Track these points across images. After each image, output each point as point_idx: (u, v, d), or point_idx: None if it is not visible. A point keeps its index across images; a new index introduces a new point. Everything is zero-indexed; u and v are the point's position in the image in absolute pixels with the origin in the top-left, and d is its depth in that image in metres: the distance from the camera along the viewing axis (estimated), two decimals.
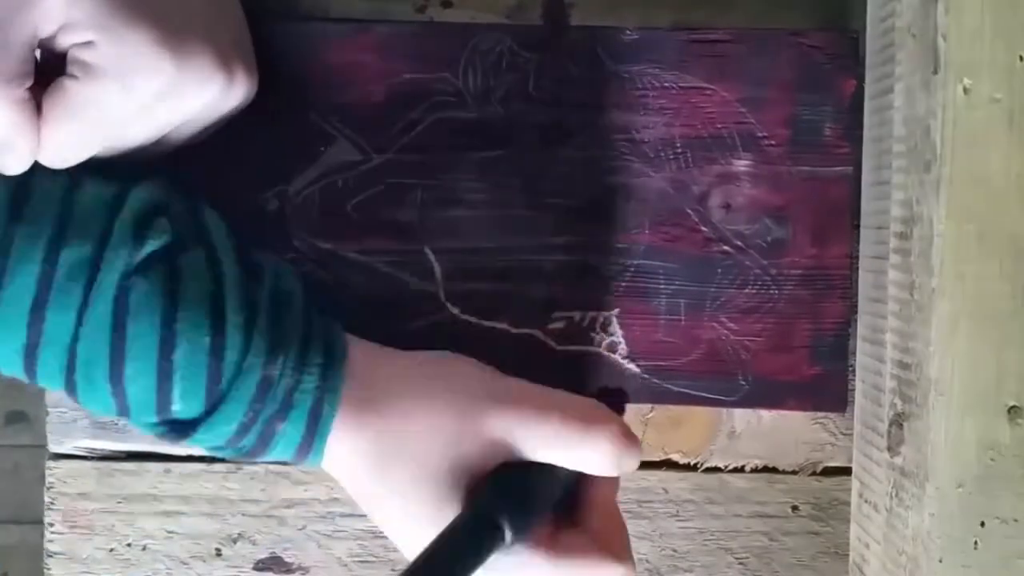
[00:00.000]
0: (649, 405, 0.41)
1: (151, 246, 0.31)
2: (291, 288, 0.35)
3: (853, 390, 0.41)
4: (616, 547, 0.33)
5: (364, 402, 0.33)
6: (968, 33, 0.33)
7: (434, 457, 0.32)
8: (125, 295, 0.31)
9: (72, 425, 0.42)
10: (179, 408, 0.32)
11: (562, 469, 0.33)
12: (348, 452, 0.33)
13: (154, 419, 0.33)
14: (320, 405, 0.33)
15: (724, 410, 0.41)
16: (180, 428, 0.33)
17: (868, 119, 0.40)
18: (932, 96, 0.33)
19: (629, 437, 0.33)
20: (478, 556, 0.29)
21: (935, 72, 0.33)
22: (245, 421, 0.32)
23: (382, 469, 0.33)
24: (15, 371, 0.32)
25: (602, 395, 0.36)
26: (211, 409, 0.32)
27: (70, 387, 0.32)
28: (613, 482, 0.35)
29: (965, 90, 0.33)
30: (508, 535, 0.30)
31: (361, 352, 0.35)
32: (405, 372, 0.35)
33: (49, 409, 0.43)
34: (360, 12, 0.41)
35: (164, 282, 0.31)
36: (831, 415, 0.41)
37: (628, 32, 0.39)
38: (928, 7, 0.33)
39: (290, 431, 0.33)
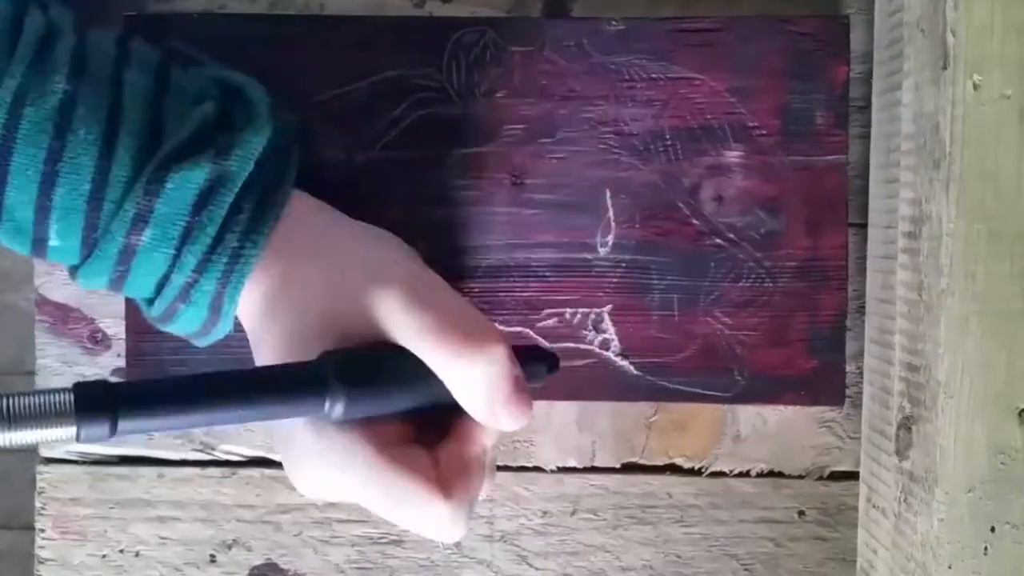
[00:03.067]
0: (652, 408, 0.41)
1: (55, 78, 0.29)
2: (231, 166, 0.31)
3: (860, 393, 0.40)
4: (454, 484, 0.29)
5: (277, 254, 0.31)
6: (978, 28, 0.32)
7: (313, 310, 0.30)
8: (16, 122, 0.29)
9: None
10: (56, 245, 0.31)
11: (435, 382, 0.30)
12: (247, 293, 0.32)
13: (27, 250, 0.32)
14: (223, 292, 0.31)
15: (729, 413, 0.41)
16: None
17: (876, 115, 0.39)
18: (941, 92, 0.33)
19: (514, 385, 0.29)
20: (285, 402, 0.27)
21: (944, 68, 0.33)
22: (114, 278, 0.31)
23: (270, 311, 0.31)
24: None
25: (529, 351, 0.32)
26: (85, 258, 0.31)
27: None
28: (483, 429, 0.31)
29: (975, 86, 0.32)
30: (329, 403, 0.28)
31: (294, 215, 0.32)
32: (330, 228, 0.33)
33: None
34: (359, 8, 0.41)
35: (56, 117, 0.29)
36: (838, 419, 0.41)
37: (614, 22, 0.39)
38: (937, 2, 0.33)
39: (191, 311, 0.32)
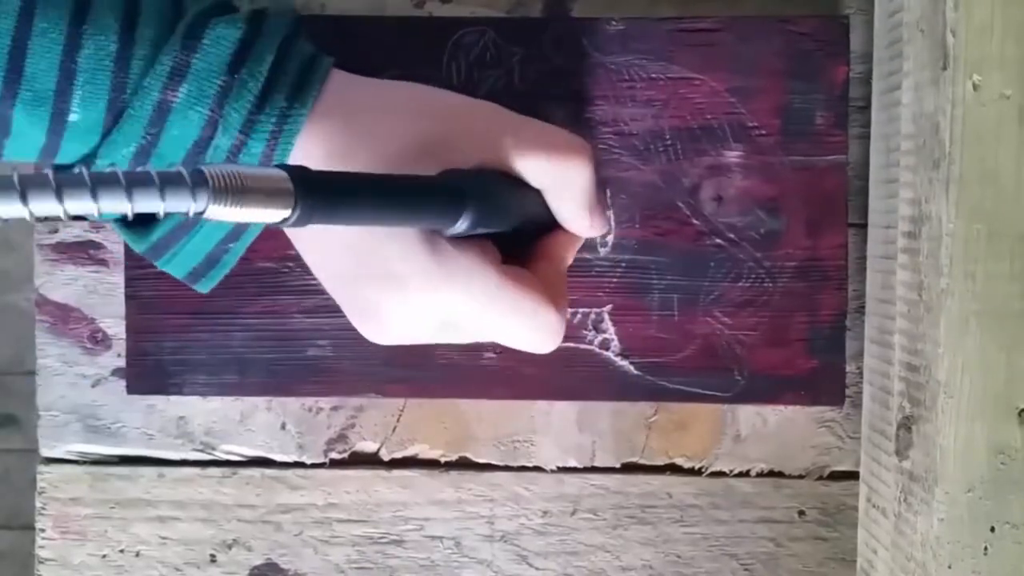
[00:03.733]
0: (652, 408, 0.41)
1: None
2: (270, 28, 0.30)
3: (860, 393, 0.40)
4: (555, 295, 0.32)
5: (329, 113, 0.30)
6: (978, 28, 0.32)
7: (402, 136, 0.29)
8: None
9: (64, 429, 0.42)
10: (77, 119, 0.29)
11: (531, 201, 0.32)
12: (300, 159, 0.30)
13: (45, 129, 0.29)
14: (271, 157, 0.30)
15: (729, 413, 0.41)
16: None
17: (875, 116, 0.39)
18: (941, 92, 0.33)
19: (600, 189, 0.33)
20: (431, 209, 0.28)
21: (944, 68, 0.33)
22: (143, 144, 0.30)
23: (343, 159, 0.30)
24: None
25: None
26: (110, 127, 0.29)
27: None
28: (570, 241, 0.34)
29: (975, 86, 0.32)
30: (465, 217, 0.28)
31: (339, 80, 0.31)
32: (384, 86, 0.32)
33: (40, 413, 0.42)
34: (359, 8, 0.41)
35: None
36: (838, 419, 0.41)
37: (613, 22, 0.39)
38: (937, 2, 0.33)
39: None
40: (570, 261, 0.35)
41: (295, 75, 0.30)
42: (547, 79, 0.39)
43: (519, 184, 0.32)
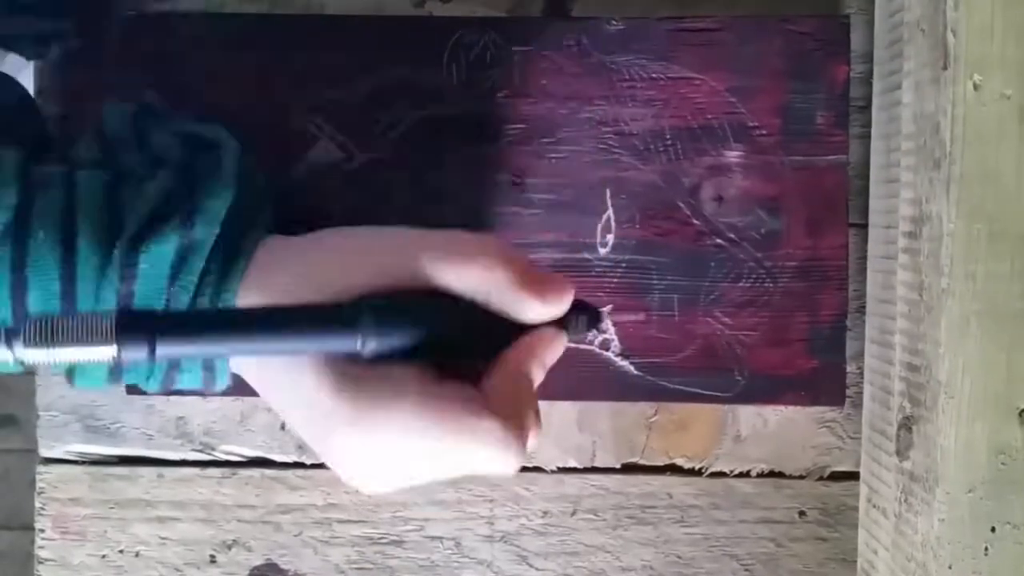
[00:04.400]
0: (652, 408, 0.41)
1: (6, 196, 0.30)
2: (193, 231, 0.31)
3: (861, 393, 0.40)
4: (505, 407, 0.29)
5: (257, 293, 0.30)
6: (978, 28, 0.32)
7: (320, 288, 0.29)
8: None
9: (63, 429, 0.42)
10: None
11: (460, 309, 0.30)
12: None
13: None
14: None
15: (729, 413, 0.41)
16: None
17: (876, 115, 0.39)
18: (941, 92, 0.33)
19: (529, 264, 0.30)
20: (319, 334, 0.27)
21: (945, 68, 0.33)
22: (110, 367, 0.31)
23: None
24: None
25: (574, 308, 0.32)
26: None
27: None
28: (533, 346, 0.31)
29: (975, 86, 0.32)
30: (362, 339, 0.27)
31: (268, 254, 0.31)
32: (307, 245, 0.32)
33: (40, 413, 0.42)
34: (359, 8, 0.41)
35: (14, 227, 0.30)
36: (838, 419, 0.41)
37: (614, 22, 0.39)
38: (938, 2, 0.33)
39: (186, 377, 0.32)
40: (541, 364, 0.31)
41: (218, 270, 0.31)
42: (547, 79, 0.39)
43: (447, 299, 0.30)
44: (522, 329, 0.30)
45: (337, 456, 0.29)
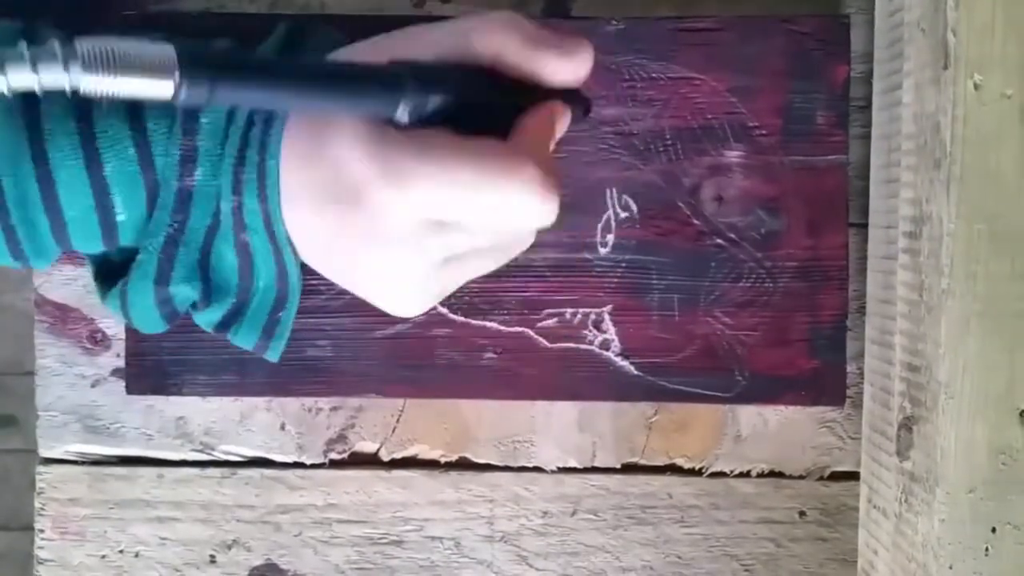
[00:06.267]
0: (653, 408, 0.41)
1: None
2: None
3: (861, 393, 0.40)
4: (534, 153, 0.29)
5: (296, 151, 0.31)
6: (979, 28, 0.32)
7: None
8: (37, 120, 0.30)
9: (63, 429, 0.42)
10: (124, 219, 0.32)
11: (495, 79, 0.30)
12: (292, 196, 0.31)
13: (99, 243, 0.32)
14: (267, 209, 0.32)
15: (729, 413, 0.41)
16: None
17: (876, 115, 0.39)
18: (942, 92, 0.33)
19: (540, 29, 0.30)
20: (367, 93, 0.27)
21: (945, 68, 0.33)
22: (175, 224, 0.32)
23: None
24: None
25: (565, 98, 0.32)
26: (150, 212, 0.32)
27: (11, 243, 0.31)
28: (546, 115, 0.31)
29: (976, 86, 0.32)
30: (403, 98, 0.27)
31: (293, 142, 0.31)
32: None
33: (39, 413, 0.42)
34: (359, 8, 0.41)
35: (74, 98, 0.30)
36: (839, 419, 0.41)
37: (614, 22, 0.39)
38: (938, 1, 0.33)
39: (256, 241, 0.32)
40: (554, 135, 0.32)
41: (261, 126, 0.31)
42: None
43: (473, 69, 0.30)
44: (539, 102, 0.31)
45: (367, 248, 0.30)
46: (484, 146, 0.29)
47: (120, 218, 0.32)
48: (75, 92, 0.22)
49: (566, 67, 0.30)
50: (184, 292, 0.34)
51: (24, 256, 0.32)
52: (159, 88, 0.23)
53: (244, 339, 0.36)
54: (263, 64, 0.26)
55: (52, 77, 0.22)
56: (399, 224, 0.29)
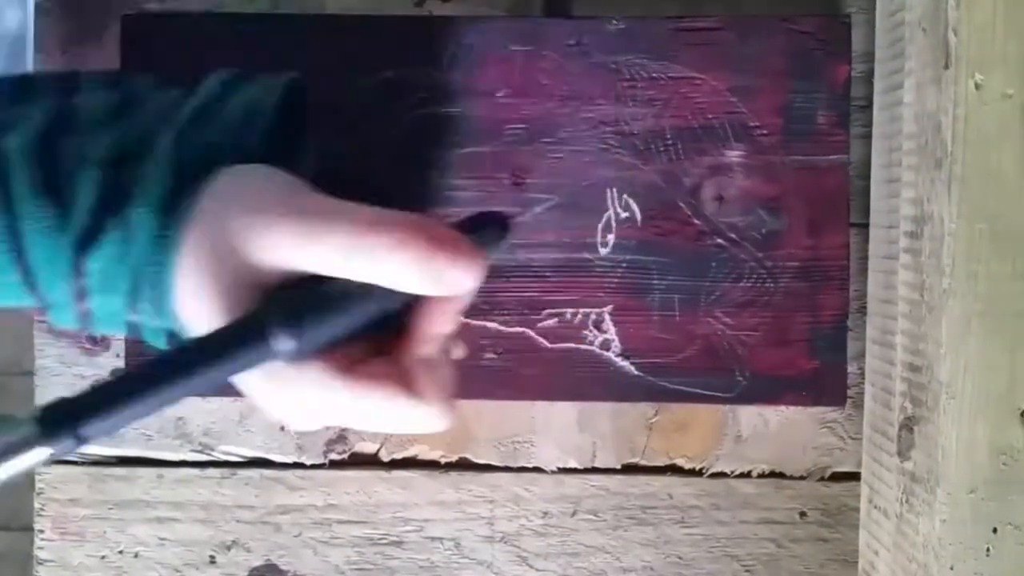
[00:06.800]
0: (653, 409, 0.41)
1: None
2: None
3: (862, 393, 0.40)
4: (420, 384, 0.29)
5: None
6: (980, 28, 0.32)
7: (217, 280, 0.28)
8: None
9: None
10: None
11: (368, 287, 0.28)
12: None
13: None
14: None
15: (730, 414, 0.41)
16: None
17: (877, 115, 0.39)
18: (943, 92, 0.33)
19: (441, 243, 0.26)
20: (235, 358, 0.27)
21: (946, 67, 0.32)
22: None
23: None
24: None
25: (476, 219, 0.29)
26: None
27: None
28: (439, 309, 0.29)
29: (977, 86, 0.32)
30: (278, 342, 0.27)
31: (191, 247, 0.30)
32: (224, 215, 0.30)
33: None
34: (359, 7, 0.41)
35: None
36: (839, 419, 0.41)
37: (614, 22, 0.39)
38: (939, 1, 0.33)
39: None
40: (444, 328, 0.30)
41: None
42: (548, 78, 0.39)
43: (348, 282, 0.28)
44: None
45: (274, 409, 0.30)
46: (363, 391, 0.28)
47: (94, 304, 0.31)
48: None
49: (461, 281, 0.27)
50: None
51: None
52: (33, 459, 0.25)
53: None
54: (119, 389, 0.27)
55: None
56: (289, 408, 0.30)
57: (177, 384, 0.27)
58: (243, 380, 0.29)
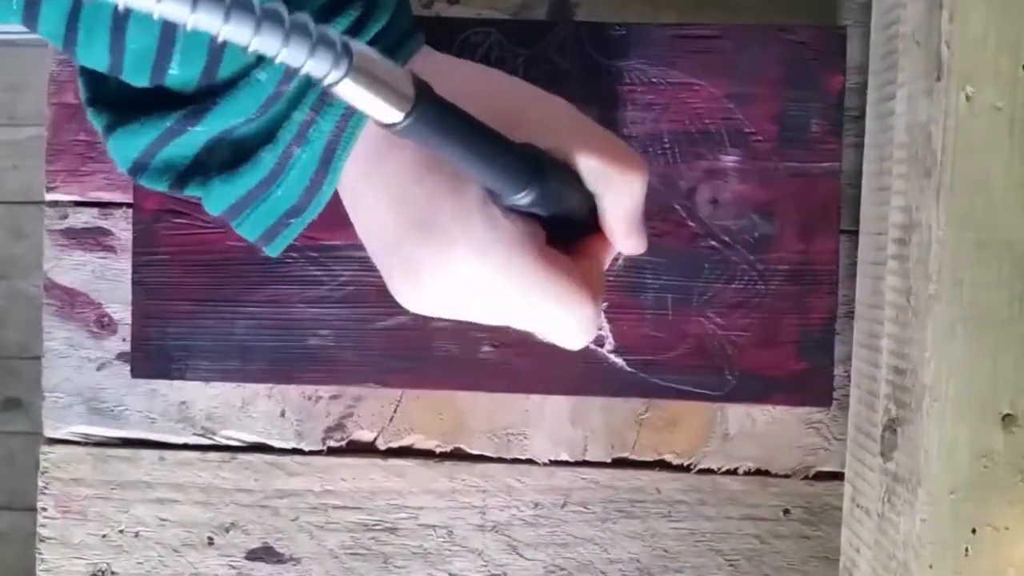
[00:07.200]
0: (644, 405, 0.41)
1: None
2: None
3: (847, 395, 0.41)
4: (594, 291, 0.31)
5: None
6: (972, 41, 0.33)
7: (477, 111, 0.28)
8: None
9: (68, 411, 0.42)
10: (175, 73, 0.30)
11: (580, 199, 0.31)
12: (360, 154, 0.31)
13: (146, 80, 0.30)
14: (337, 139, 0.31)
15: (718, 412, 0.41)
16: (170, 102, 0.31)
17: (870, 124, 0.40)
18: (934, 103, 0.33)
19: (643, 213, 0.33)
20: (506, 167, 0.27)
21: (938, 79, 0.33)
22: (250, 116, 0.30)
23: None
24: (12, 18, 0.29)
25: None
26: (208, 91, 0.30)
27: (70, 36, 0.29)
28: (609, 246, 0.33)
29: (967, 98, 0.33)
30: (530, 190, 0.28)
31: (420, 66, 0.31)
32: (465, 71, 0.33)
33: (45, 394, 0.43)
34: None
35: None
36: (825, 420, 0.41)
37: (616, 27, 0.39)
38: (932, 15, 0.34)
39: (304, 157, 0.31)
40: (606, 266, 0.34)
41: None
42: (550, 80, 0.39)
43: (576, 180, 0.31)
44: (592, 227, 0.33)
45: (426, 264, 0.30)
46: (560, 270, 0.30)
47: (172, 72, 0.30)
48: (314, 83, 0.22)
49: (626, 248, 0.33)
50: (195, 139, 0.32)
51: (76, 56, 0.30)
52: (387, 115, 0.23)
53: (248, 231, 0.34)
54: (458, 119, 0.26)
55: (317, 67, 0.21)
56: (460, 272, 0.30)
57: (481, 146, 0.27)
58: (437, 220, 0.30)
